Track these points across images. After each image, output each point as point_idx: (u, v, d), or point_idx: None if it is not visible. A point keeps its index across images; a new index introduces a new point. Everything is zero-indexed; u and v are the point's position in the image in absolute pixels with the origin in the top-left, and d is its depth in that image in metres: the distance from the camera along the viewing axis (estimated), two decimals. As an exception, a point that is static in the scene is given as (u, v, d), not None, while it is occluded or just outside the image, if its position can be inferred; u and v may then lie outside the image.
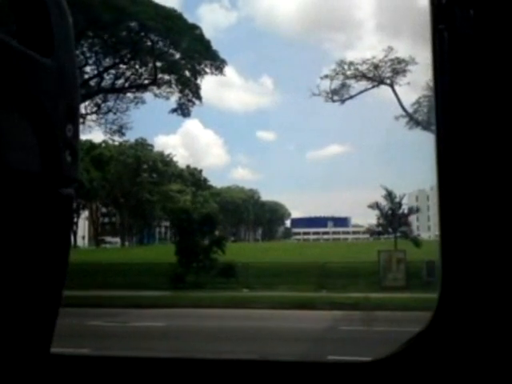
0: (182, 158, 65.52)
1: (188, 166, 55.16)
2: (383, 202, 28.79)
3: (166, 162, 52.52)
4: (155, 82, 25.48)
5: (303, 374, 1.68)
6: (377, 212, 29.82)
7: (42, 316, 0.89)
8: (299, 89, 47.07)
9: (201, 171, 56.37)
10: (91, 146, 46.16)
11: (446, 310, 1.58)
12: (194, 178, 55.38)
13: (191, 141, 59.21)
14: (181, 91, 25.52)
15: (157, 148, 50.31)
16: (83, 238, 51.60)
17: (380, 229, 31.61)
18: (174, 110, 26.57)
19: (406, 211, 29.25)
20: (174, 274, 22.93)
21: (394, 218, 28.63)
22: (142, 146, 49.18)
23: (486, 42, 1.57)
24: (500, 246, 1.53)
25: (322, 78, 27.47)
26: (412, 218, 31.37)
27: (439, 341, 1.58)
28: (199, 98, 25.79)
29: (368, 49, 43.47)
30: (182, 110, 26.24)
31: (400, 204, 28.95)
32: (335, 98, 27.25)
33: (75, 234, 49.46)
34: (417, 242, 27.63)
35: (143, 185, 49.68)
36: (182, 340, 13.19)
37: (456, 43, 1.58)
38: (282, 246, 48.75)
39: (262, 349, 11.07)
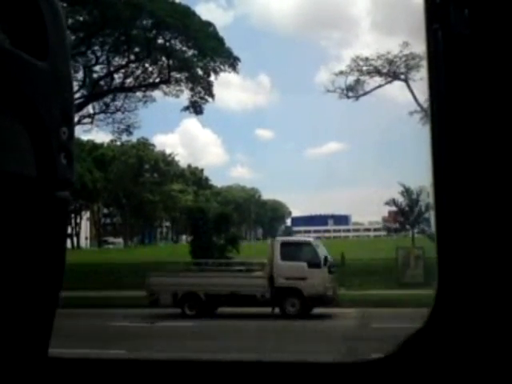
0: (181, 158, 65.24)
1: (189, 166, 55.01)
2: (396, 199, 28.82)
3: (167, 161, 52.34)
4: (169, 80, 25.27)
5: (303, 374, 1.69)
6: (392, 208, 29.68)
7: (39, 318, 0.88)
8: (296, 87, 47.01)
9: (202, 170, 56.22)
10: (93, 146, 45.99)
11: (444, 308, 1.59)
12: (195, 178, 55.24)
13: (190, 140, 59.09)
14: (193, 89, 25.34)
15: (155, 147, 50.08)
16: (86, 238, 51.35)
17: (397, 225, 31.48)
18: (186, 108, 26.42)
19: (423, 208, 29.11)
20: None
21: (411, 214, 28.56)
22: (144, 145, 48.94)
23: (481, 41, 1.56)
24: (497, 243, 1.53)
25: (336, 75, 27.26)
26: (429, 215, 31.30)
27: (437, 338, 1.59)
28: (211, 95, 25.62)
29: (365, 46, 43.51)
30: (195, 108, 26.03)
31: (417, 200, 28.85)
32: (350, 94, 27.06)
33: (78, 235, 49.26)
34: (434, 239, 27.43)
35: (145, 185, 49.48)
36: (224, 339, 13.06)
37: (450, 43, 1.58)
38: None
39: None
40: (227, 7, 67.96)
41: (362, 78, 26.73)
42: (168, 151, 50.38)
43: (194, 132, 57.16)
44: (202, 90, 25.21)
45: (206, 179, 56.49)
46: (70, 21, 23.85)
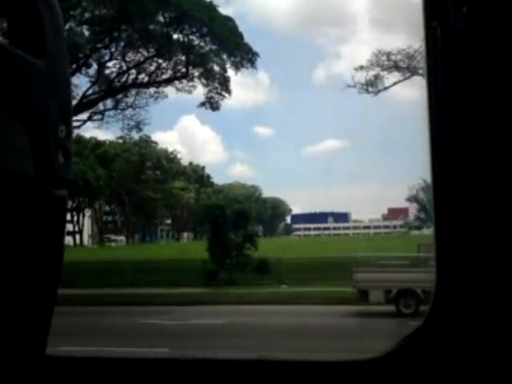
0: (180, 155, 65.06)
1: (191, 163, 54.85)
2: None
3: (170, 158, 52.18)
4: (187, 76, 24.96)
5: (302, 373, 1.70)
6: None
7: (37, 316, 0.88)
8: (295, 84, 47.03)
9: (203, 168, 56.09)
10: (96, 143, 45.77)
11: (443, 307, 1.60)
12: (196, 175, 55.13)
13: (188, 137, 58.95)
14: (209, 84, 25.01)
15: (158, 144, 49.95)
16: (89, 236, 51.21)
17: (418, 223, 31.48)
18: (202, 104, 26.04)
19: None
20: (206, 270, 22.70)
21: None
22: (146, 142, 48.75)
23: (480, 39, 1.57)
24: (496, 241, 1.53)
25: (356, 70, 27.03)
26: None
27: (437, 337, 1.60)
28: (228, 91, 25.33)
29: (363, 43, 43.51)
30: (211, 104, 25.71)
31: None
32: (370, 89, 26.86)
33: (81, 232, 49.06)
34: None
35: (147, 182, 49.35)
36: (257, 337, 12.99)
37: (449, 41, 1.58)
38: (296, 241, 48.50)
39: (355, 346, 10.85)
40: (225, 4, 67.73)
41: (382, 73, 26.56)
42: (173, 149, 50.28)
43: (192, 129, 57.09)
44: (219, 86, 24.90)
45: (208, 177, 56.39)
46: (88, 15, 23.65)
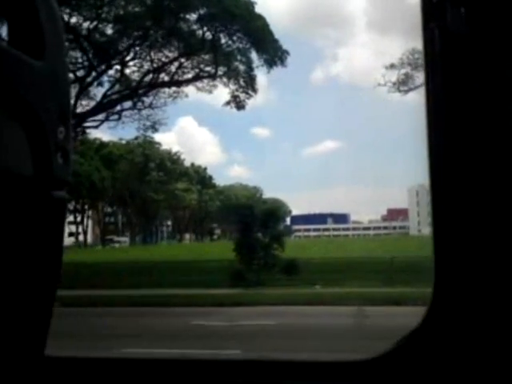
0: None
1: (192, 164, 54.69)
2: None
3: (173, 160, 51.98)
4: (216, 75, 24.68)
5: (301, 373, 1.71)
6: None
7: (36, 317, 0.90)
8: (292, 85, 47.18)
9: (205, 169, 55.95)
10: (101, 144, 45.49)
11: (441, 307, 1.61)
12: (199, 176, 55.01)
13: (186, 139, 58.83)
14: (236, 83, 24.72)
15: (161, 145, 49.72)
16: (91, 237, 50.86)
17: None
18: (227, 103, 25.77)
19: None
20: (233, 271, 22.52)
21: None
22: (150, 143, 48.50)
23: (478, 40, 1.57)
24: (494, 241, 1.54)
25: (387, 68, 26.93)
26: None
27: (434, 338, 1.61)
28: (254, 89, 25.09)
29: (360, 45, 43.76)
30: (237, 103, 25.46)
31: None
32: (402, 88, 26.75)
33: (86, 233, 48.70)
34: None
35: (150, 183, 49.14)
36: (321, 339, 12.85)
37: (447, 42, 1.58)
38: (308, 242, 48.38)
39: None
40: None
41: (411, 72, 26.50)
42: (177, 150, 50.11)
43: (190, 131, 56.96)
44: (245, 84, 24.64)
45: (210, 178, 56.28)
46: (121, 12, 23.19)
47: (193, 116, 53.04)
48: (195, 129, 59.02)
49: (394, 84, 26.36)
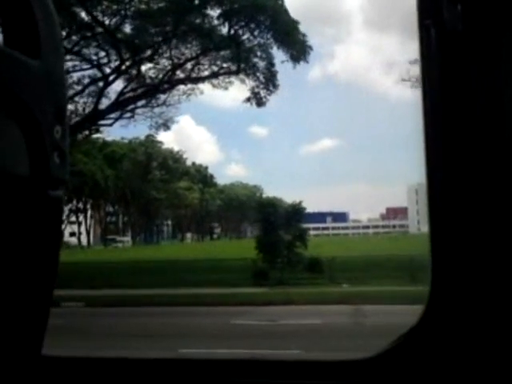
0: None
1: (193, 163, 54.44)
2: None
3: (175, 158, 51.67)
4: (239, 71, 24.29)
5: (300, 373, 1.72)
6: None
7: (32, 318, 0.89)
8: (289, 83, 47.03)
9: (206, 168, 55.71)
10: (104, 143, 45.09)
11: (438, 305, 1.62)
12: (200, 175, 54.80)
13: (184, 138, 58.52)
14: (257, 79, 24.39)
15: (163, 144, 49.43)
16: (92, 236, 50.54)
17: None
18: (247, 100, 25.42)
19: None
20: (256, 270, 22.30)
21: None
22: (152, 142, 48.18)
23: (474, 37, 1.58)
24: (491, 240, 1.55)
25: (411, 63, 26.97)
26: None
27: (432, 335, 1.62)
28: (275, 85, 24.77)
29: (357, 43, 43.65)
30: (257, 100, 25.10)
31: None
32: None
33: (89, 233, 48.35)
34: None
35: (152, 182, 48.86)
36: (373, 338, 12.66)
37: (443, 39, 1.60)
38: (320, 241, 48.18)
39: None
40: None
41: None
42: (179, 149, 49.85)
43: (188, 130, 56.65)
44: (265, 80, 24.32)
45: (211, 177, 56.07)
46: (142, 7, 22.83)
47: (190, 115, 52.70)
48: (193, 128, 58.73)
49: (417, 79, 26.26)
